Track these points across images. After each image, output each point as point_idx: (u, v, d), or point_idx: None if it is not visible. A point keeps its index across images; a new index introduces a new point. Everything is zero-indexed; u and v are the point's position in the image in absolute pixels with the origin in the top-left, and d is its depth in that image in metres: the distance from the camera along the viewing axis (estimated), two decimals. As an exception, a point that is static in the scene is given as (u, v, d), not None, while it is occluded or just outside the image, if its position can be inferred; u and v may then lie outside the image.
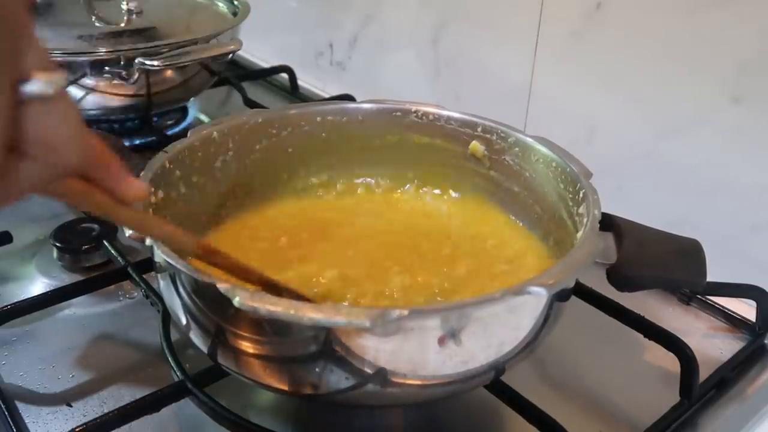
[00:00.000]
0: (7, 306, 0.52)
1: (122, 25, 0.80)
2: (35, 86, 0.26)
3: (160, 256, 0.38)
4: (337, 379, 0.36)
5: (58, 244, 0.60)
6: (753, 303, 0.57)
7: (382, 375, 0.36)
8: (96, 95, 0.75)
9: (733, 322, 0.58)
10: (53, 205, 0.69)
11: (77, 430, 0.42)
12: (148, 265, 0.56)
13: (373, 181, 0.60)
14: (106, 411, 0.44)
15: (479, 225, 0.56)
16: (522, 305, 0.37)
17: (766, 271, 0.58)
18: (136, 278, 0.56)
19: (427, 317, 0.35)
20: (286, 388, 0.40)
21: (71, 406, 0.47)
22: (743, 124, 0.58)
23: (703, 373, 0.49)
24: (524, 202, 0.54)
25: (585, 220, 0.43)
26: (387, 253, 0.51)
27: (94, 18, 0.80)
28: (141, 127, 0.83)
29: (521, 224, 0.55)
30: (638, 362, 0.53)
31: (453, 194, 0.59)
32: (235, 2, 0.89)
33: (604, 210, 0.44)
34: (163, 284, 0.41)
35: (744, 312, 0.58)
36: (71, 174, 0.30)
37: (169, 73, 0.77)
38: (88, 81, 0.73)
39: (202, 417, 0.45)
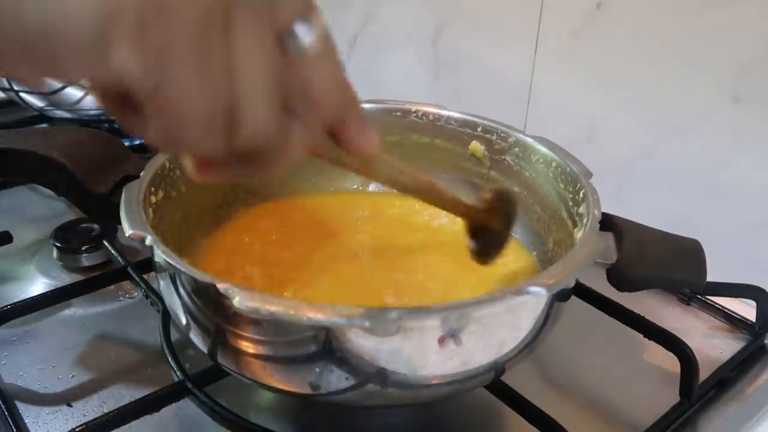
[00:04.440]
0: (7, 306, 0.52)
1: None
2: (298, 39, 0.24)
3: (160, 256, 0.38)
4: (337, 379, 0.36)
5: (58, 244, 0.60)
6: (753, 303, 0.57)
7: (381, 375, 0.36)
8: (96, 95, 0.74)
9: (733, 322, 0.58)
10: (53, 205, 0.69)
11: (77, 430, 0.42)
12: (148, 265, 0.56)
13: (370, 182, 0.60)
14: (106, 411, 0.44)
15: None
16: (522, 305, 0.37)
17: (766, 271, 0.58)
18: (136, 278, 0.56)
19: (426, 317, 0.35)
20: (286, 388, 0.40)
21: (71, 406, 0.47)
22: (743, 124, 0.58)
23: (703, 373, 0.49)
24: (524, 202, 0.54)
25: (585, 220, 0.43)
26: (381, 262, 0.51)
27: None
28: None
29: (516, 236, 0.55)
30: (638, 362, 0.53)
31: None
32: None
33: (604, 210, 0.44)
34: (163, 284, 0.41)
35: (744, 312, 0.58)
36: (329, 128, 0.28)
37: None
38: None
39: (202, 417, 0.45)
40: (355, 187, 0.60)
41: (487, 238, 0.44)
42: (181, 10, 0.21)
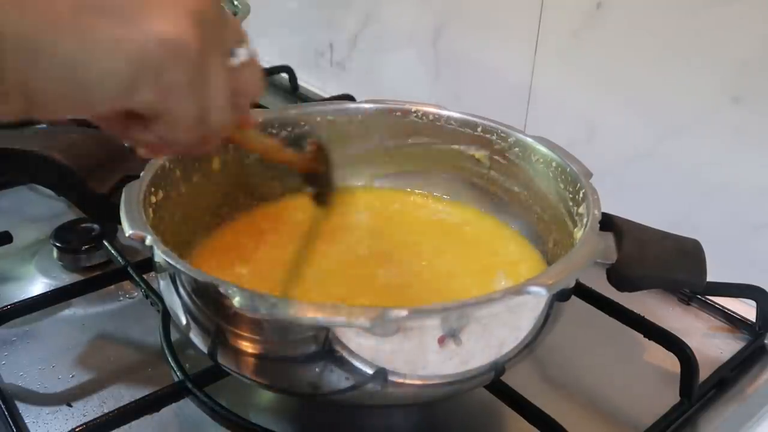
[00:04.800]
0: (7, 306, 0.52)
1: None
2: (240, 55, 0.35)
3: (160, 256, 0.38)
4: (337, 379, 0.36)
5: (58, 244, 0.60)
6: (753, 303, 0.57)
7: (381, 375, 0.36)
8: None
9: (733, 322, 0.58)
10: (53, 205, 0.69)
11: (77, 430, 0.42)
12: (148, 265, 0.56)
13: (372, 181, 0.60)
14: (106, 411, 0.44)
15: (476, 231, 0.56)
16: (522, 305, 0.37)
17: (766, 271, 0.58)
18: (136, 278, 0.56)
19: (426, 317, 0.35)
20: (286, 388, 0.40)
21: (71, 406, 0.47)
22: (743, 124, 0.58)
23: (703, 373, 0.49)
24: (524, 202, 0.54)
25: (585, 220, 0.43)
26: (380, 260, 0.51)
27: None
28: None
29: (518, 231, 0.55)
30: (638, 362, 0.53)
31: (453, 197, 0.59)
32: (235, 2, 0.89)
33: (604, 210, 0.44)
34: (163, 284, 0.41)
35: (744, 312, 0.58)
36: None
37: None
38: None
39: (202, 417, 0.45)
40: (360, 184, 0.60)
41: (319, 183, 0.52)
42: (184, 58, 0.31)
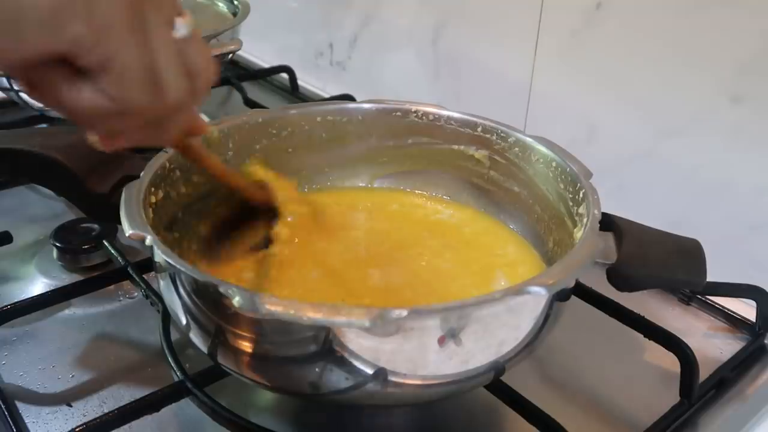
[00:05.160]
0: (7, 306, 0.52)
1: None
2: (181, 29, 0.33)
3: (160, 256, 0.38)
4: (337, 379, 0.36)
5: (58, 244, 0.60)
6: (753, 303, 0.57)
7: (381, 375, 0.36)
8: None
9: (733, 322, 0.58)
10: (53, 205, 0.69)
11: (77, 430, 0.42)
12: (148, 265, 0.56)
13: (372, 181, 0.60)
14: (106, 411, 0.44)
15: (476, 232, 0.56)
16: (522, 305, 0.37)
17: (766, 271, 0.58)
18: (136, 278, 0.56)
19: (426, 317, 0.35)
20: (286, 388, 0.40)
21: (71, 406, 0.47)
22: (743, 124, 0.58)
23: (703, 373, 0.49)
24: (524, 202, 0.54)
25: (585, 220, 0.43)
26: (379, 260, 0.51)
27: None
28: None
29: (517, 232, 0.55)
30: (638, 362, 0.53)
31: (453, 197, 0.59)
32: (235, 2, 0.89)
33: (604, 210, 0.44)
34: (163, 284, 0.41)
35: (744, 312, 0.58)
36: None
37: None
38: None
39: (202, 417, 0.45)
40: (360, 184, 0.60)
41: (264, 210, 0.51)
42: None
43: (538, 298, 0.37)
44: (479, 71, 0.81)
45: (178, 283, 0.38)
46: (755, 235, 0.60)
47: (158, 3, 0.31)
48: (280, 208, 0.51)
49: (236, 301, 0.33)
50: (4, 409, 0.45)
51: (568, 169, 0.48)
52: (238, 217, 0.53)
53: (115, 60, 0.29)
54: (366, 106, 0.58)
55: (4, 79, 0.73)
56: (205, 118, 0.88)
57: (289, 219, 0.50)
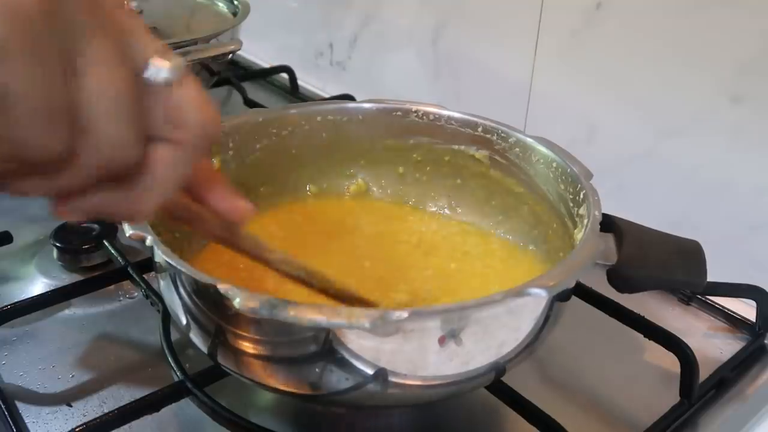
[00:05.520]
0: (7, 306, 0.52)
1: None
2: (155, 72, 0.26)
3: (160, 256, 0.38)
4: (337, 380, 0.36)
5: (58, 244, 0.60)
6: (753, 303, 0.57)
7: (382, 376, 0.36)
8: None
9: (733, 322, 0.58)
10: (53, 205, 0.69)
11: (77, 430, 0.42)
12: (148, 265, 0.56)
13: (372, 181, 0.60)
14: (106, 411, 0.44)
15: (475, 232, 0.56)
16: (522, 306, 0.37)
17: (766, 271, 0.58)
18: (136, 278, 0.56)
19: (427, 318, 0.35)
20: (286, 388, 0.40)
21: (71, 406, 0.47)
22: (743, 124, 0.58)
23: (703, 373, 0.49)
24: (524, 203, 0.54)
25: (585, 221, 0.43)
26: (379, 262, 0.51)
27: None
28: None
29: (517, 232, 0.55)
30: (638, 362, 0.53)
31: (452, 198, 0.59)
32: (235, 2, 0.89)
33: (604, 210, 0.44)
34: (163, 284, 0.41)
35: (744, 312, 0.58)
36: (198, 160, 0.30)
37: (169, 72, 0.77)
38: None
39: (202, 417, 0.45)
40: (362, 184, 0.60)
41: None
42: (20, 13, 0.22)
43: (538, 299, 0.37)
44: (479, 71, 0.81)
45: (179, 283, 0.38)
46: (755, 235, 0.60)
47: (102, 31, 0.25)
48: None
49: (236, 301, 0.33)
50: (4, 409, 0.45)
51: (568, 170, 0.48)
52: None
53: (11, 93, 0.23)
54: (366, 106, 0.58)
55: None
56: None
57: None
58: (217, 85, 0.91)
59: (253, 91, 0.96)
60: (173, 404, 0.46)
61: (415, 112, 0.57)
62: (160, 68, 0.27)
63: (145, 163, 0.27)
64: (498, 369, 0.39)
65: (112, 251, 0.59)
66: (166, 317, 0.51)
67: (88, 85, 0.24)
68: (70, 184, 0.26)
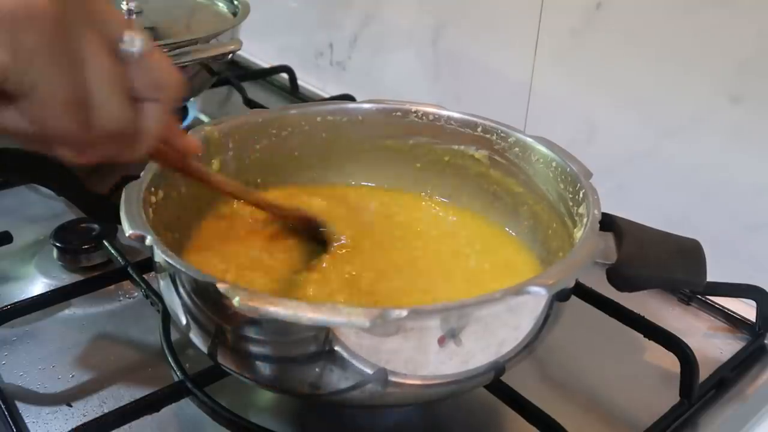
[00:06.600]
0: (7, 306, 0.52)
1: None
2: (129, 43, 0.33)
3: (160, 256, 0.38)
4: (337, 379, 0.36)
5: (58, 244, 0.60)
6: (753, 303, 0.57)
7: (381, 375, 0.36)
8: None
9: (733, 322, 0.58)
10: (53, 205, 0.69)
11: (77, 430, 0.42)
12: (148, 265, 0.56)
13: (371, 181, 0.60)
14: (106, 411, 0.44)
15: (475, 232, 0.56)
16: (522, 305, 0.37)
17: (766, 271, 0.58)
18: (136, 278, 0.56)
19: (426, 317, 0.35)
20: (286, 388, 0.40)
21: (71, 406, 0.47)
22: (743, 124, 0.58)
23: (703, 373, 0.49)
24: (524, 202, 0.54)
25: (585, 220, 0.43)
26: (378, 261, 0.51)
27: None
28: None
29: (516, 232, 0.55)
30: (638, 362, 0.53)
31: (452, 198, 0.59)
32: (235, 2, 0.89)
33: (604, 210, 0.44)
34: (163, 284, 0.41)
35: (744, 312, 0.58)
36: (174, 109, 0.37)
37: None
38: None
39: (202, 417, 0.45)
40: (360, 184, 0.60)
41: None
42: (38, 19, 0.29)
43: (538, 298, 0.37)
44: (479, 71, 0.81)
45: (178, 283, 0.38)
46: (755, 235, 0.60)
47: (91, 27, 0.31)
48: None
49: (236, 301, 0.33)
50: (4, 409, 0.45)
51: (568, 169, 0.48)
52: None
53: (38, 88, 0.30)
54: (366, 106, 0.58)
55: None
56: (204, 118, 0.90)
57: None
58: (217, 85, 0.91)
59: (253, 91, 0.96)
60: (173, 404, 0.46)
61: (415, 112, 0.57)
62: (133, 39, 0.33)
63: (137, 118, 0.35)
64: (497, 368, 0.39)
65: (112, 251, 0.59)
66: (166, 317, 0.51)
67: (89, 74, 0.31)
68: (85, 147, 0.34)
